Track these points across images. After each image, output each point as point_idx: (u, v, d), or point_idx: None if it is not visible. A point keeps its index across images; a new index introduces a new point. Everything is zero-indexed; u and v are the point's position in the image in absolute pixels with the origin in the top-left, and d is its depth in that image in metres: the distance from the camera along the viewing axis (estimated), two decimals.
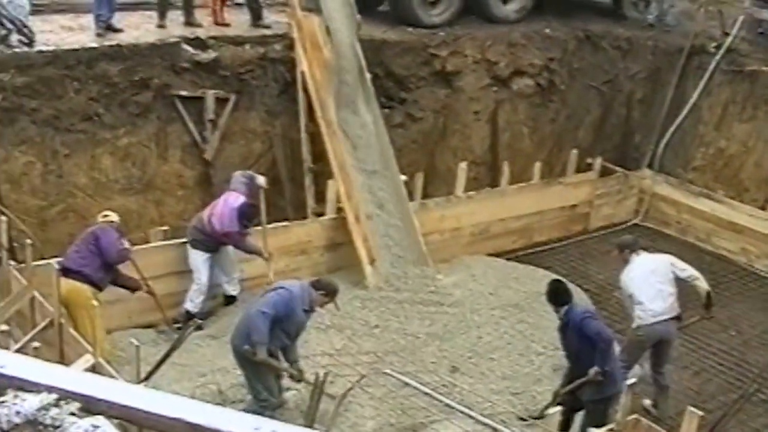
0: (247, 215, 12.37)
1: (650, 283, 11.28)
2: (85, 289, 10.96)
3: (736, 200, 17.22)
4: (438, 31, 16.82)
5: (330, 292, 10.60)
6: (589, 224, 17.69)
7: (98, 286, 11.16)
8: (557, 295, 10.51)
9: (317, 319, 11.78)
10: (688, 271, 11.56)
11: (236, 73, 14.62)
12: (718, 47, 18.30)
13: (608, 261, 16.09)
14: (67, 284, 10.79)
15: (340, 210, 14.09)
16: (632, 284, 11.36)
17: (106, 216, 11.67)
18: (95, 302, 10.80)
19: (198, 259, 12.47)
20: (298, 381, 10.63)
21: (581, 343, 10.11)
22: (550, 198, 16.85)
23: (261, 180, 13.04)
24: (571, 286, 14.11)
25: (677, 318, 11.49)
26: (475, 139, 17.24)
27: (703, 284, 11.56)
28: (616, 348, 10.84)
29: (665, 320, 11.28)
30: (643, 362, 11.73)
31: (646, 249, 12.13)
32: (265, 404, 10.34)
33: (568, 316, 10.28)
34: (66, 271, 10.89)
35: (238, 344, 10.23)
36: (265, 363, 10.16)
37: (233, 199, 12.47)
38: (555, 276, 15.01)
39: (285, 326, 10.24)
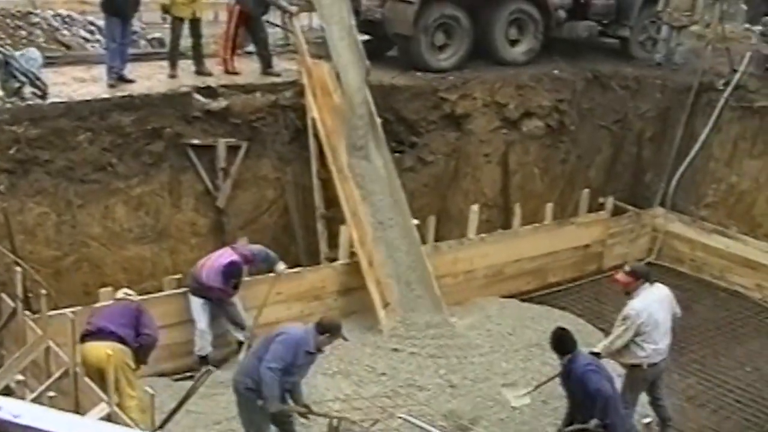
0: (229, 275, 12.42)
1: (664, 321, 11.19)
2: (125, 350, 10.89)
3: (749, 236, 17.18)
4: (447, 75, 16.95)
5: (333, 331, 10.55)
6: (602, 264, 17.63)
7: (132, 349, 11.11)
8: (562, 343, 10.46)
9: (324, 364, 11.77)
10: (678, 308, 11.62)
11: (247, 121, 14.73)
12: (726, 84, 18.37)
13: (623, 300, 16.10)
14: (105, 346, 10.64)
15: (353, 255, 14.10)
16: (651, 320, 11.05)
17: (128, 295, 11.62)
18: (132, 364, 10.90)
19: (195, 304, 12.55)
20: (307, 416, 10.69)
21: (583, 394, 10.12)
22: (563, 238, 16.83)
23: (281, 267, 13.04)
24: (588, 327, 14.26)
25: None
26: (487, 182, 17.29)
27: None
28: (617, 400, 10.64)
29: (666, 357, 11.33)
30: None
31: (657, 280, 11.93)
32: None
33: (571, 364, 10.24)
34: (100, 333, 10.81)
35: (239, 382, 10.37)
36: (277, 411, 10.25)
37: (225, 257, 12.62)
38: (571, 316, 15.15)
39: (291, 371, 10.28)
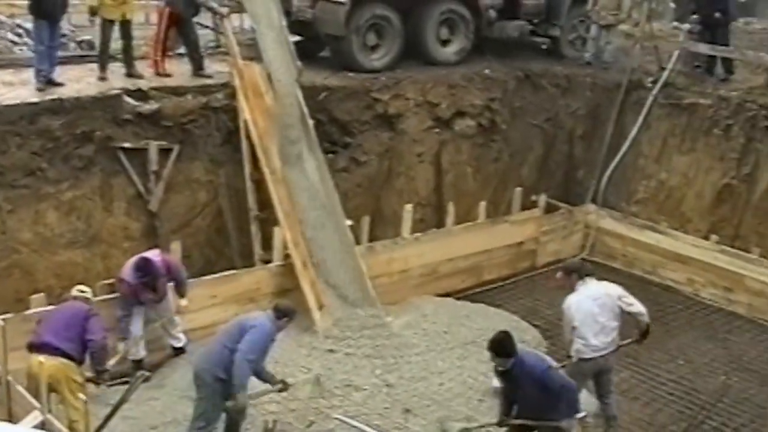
0: (141, 270, 12.16)
1: (595, 317, 11.17)
2: (70, 365, 10.73)
3: (679, 231, 17.45)
4: (379, 76, 17.00)
5: (291, 315, 10.91)
6: (536, 261, 17.78)
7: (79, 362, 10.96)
8: (506, 347, 10.16)
9: None
10: (635, 306, 11.39)
11: (179, 124, 14.64)
12: (655, 82, 18.67)
13: (557, 296, 16.24)
14: (49, 363, 10.53)
15: (287, 256, 14.08)
16: (577, 315, 11.17)
17: (82, 292, 11.46)
18: (79, 378, 10.79)
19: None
20: (285, 389, 11.16)
21: (543, 394, 9.98)
22: (497, 236, 16.93)
23: (184, 302, 12.75)
24: (522, 324, 14.35)
25: (617, 349, 11.49)
26: (420, 181, 17.35)
27: (645, 319, 11.44)
28: None
29: (605, 354, 11.28)
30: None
31: (593, 274, 11.91)
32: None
33: (521, 367, 10.06)
34: (45, 347, 10.65)
35: (207, 371, 10.52)
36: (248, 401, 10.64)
37: (145, 253, 12.51)
38: (506, 313, 15.23)
39: (261, 359, 10.67)
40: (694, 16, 19.26)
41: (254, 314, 11.11)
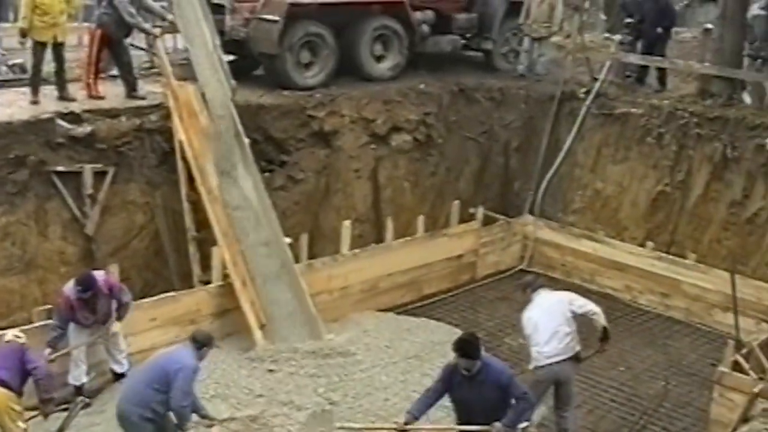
0: (82, 285, 11.89)
1: (546, 323, 11.30)
2: (9, 394, 10.57)
3: (616, 239, 17.67)
4: (314, 93, 16.99)
5: (209, 343, 10.79)
6: (476, 273, 17.87)
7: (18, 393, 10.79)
8: (474, 349, 10.05)
9: (201, 389, 11.64)
10: (586, 306, 11.53)
11: (113, 146, 14.49)
12: (587, 92, 18.89)
13: (498, 308, 16.38)
14: None
15: (226, 276, 14.01)
16: (529, 324, 11.40)
17: (18, 337, 11.20)
18: (18, 407, 10.62)
19: (73, 330, 12.21)
20: (212, 423, 11.09)
21: (502, 399, 9.96)
22: (436, 250, 16.99)
23: (115, 327, 12.52)
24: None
25: (575, 357, 11.55)
26: (358, 197, 17.36)
27: (600, 319, 11.54)
28: None
29: (560, 361, 11.32)
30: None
31: (546, 287, 12.22)
32: None
33: (486, 372, 9.99)
34: None
35: (132, 412, 10.32)
36: None
37: (90, 271, 12.38)
38: (447, 326, 15.27)
39: (193, 398, 10.66)
40: (628, 23, 19.67)
41: (174, 351, 10.83)
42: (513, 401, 9.97)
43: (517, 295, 12.26)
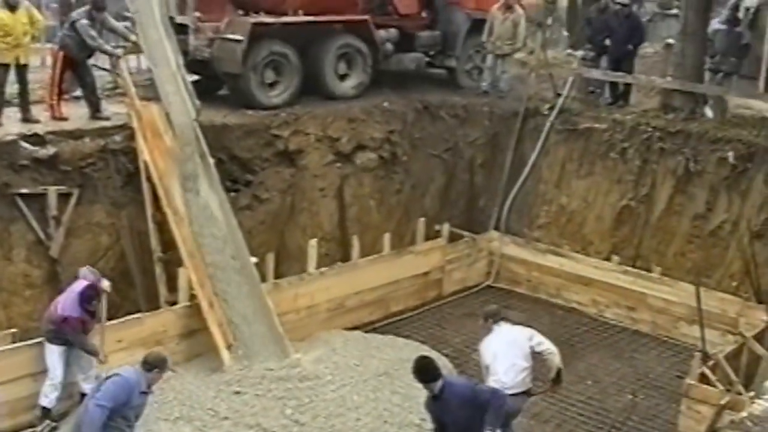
0: (88, 298, 12.04)
1: (506, 355, 11.17)
2: None
3: (581, 254, 17.77)
4: (279, 112, 17.00)
5: (161, 366, 10.44)
6: (442, 290, 17.87)
7: None
8: (429, 371, 10.18)
9: (165, 410, 11.54)
10: (544, 344, 11.40)
11: (77, 167, 14.43)
12: (551, 108, 19.03)
13: (464, 324, 16.39)
14: None
15: (193, 297, 13.95)
16: (488, 354, 11.27)
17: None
18: None
19: (53, 353, 12.08)
20: None
21: (473, 412, 9.95)
22: (402, 267, 16.99)
23: (105, 284, 12.55)
24: (432, 353, 14.32)
25: (527, 393, 11.42)
26: (324, 216, 17.36)
27: (556, 359, 11.39)
28: None
29: (514, 394, 11.10)
30: None
31: (507, 319, 12.06)
32: None
33: (448, 390, 10.06)
34: None
35: None
36: None
37: (77, 285, 12.24)
38: (415, 343, 15.27)
39: (125, 413, 10.13)
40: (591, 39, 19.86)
41: (123, 367, 10.66)
42: (488, 406, 10.00)
43: (480, 323, 12.05)
